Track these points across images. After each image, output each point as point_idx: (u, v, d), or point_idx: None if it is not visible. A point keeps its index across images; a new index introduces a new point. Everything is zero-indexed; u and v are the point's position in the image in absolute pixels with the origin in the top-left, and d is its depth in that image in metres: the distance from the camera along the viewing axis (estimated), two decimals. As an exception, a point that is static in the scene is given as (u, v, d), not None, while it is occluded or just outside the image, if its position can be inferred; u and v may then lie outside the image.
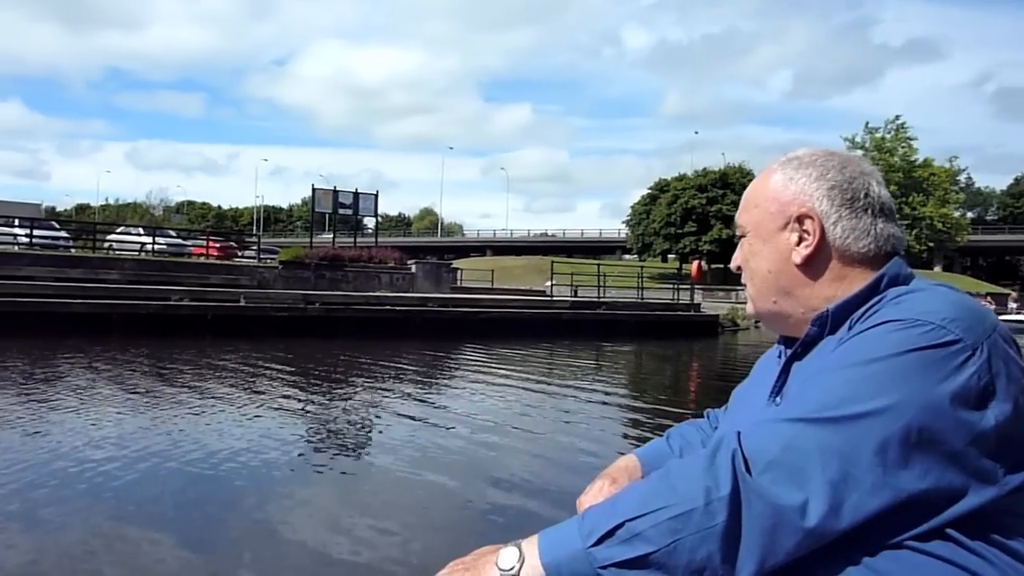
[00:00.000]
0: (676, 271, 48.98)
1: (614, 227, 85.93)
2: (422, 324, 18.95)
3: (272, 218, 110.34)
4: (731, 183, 55.19)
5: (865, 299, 0.97)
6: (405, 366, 13.49)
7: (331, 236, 26.27)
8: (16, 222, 22.96)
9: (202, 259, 23.44)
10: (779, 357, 1.12)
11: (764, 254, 1.06)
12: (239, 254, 26.95)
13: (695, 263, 34.67)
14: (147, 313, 16.68)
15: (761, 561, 0.81)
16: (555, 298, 24.40)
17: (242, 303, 18.62)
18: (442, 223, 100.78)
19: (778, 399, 1.04)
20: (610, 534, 0.84)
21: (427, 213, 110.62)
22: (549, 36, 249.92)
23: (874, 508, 0.81)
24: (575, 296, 25.97)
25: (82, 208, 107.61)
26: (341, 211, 24.84)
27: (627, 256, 67.64)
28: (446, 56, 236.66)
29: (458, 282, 30.07)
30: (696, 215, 54.22)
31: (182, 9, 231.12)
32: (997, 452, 0.83)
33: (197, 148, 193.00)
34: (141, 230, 23.37)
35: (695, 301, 28.55)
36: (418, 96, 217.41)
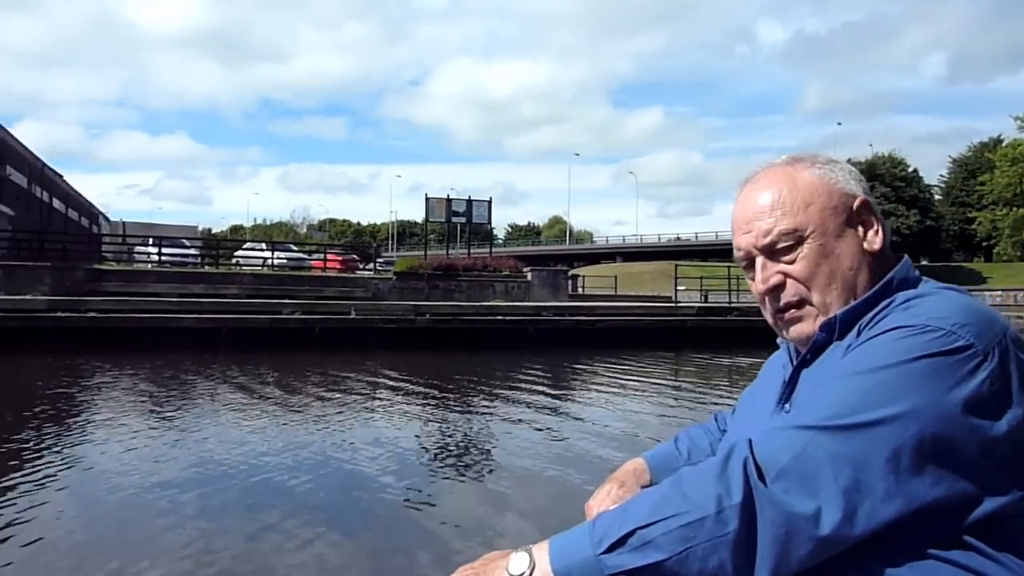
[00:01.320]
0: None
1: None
2: (534, 334, 17.91)
3: (407, 232, 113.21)
4: (880, 174, 50.54)
5: (874, 303, 0.97)
6: (519, 376, 12.64)
7: (465, 248, 25.78)
8: (150, 241, 23.91)
9: (320, 272, 23.52)
10: (786, 363, 1.10)
11: (842, 251, 1.00)
12: (360, 266, 27.01)
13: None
14: (255, 327, 16.62)
15: (774, 570, 0.81)
16: (680, 304, 22.67)
17: (352, 315, 18.31)
18: (571, 231, 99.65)
19: (787, 406, 1.04)
20: (621, 541, 0.84)
21: (556, 221, 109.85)
22: (678, 37, 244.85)
23: (888, 516, 0.81)
24: (704, 302, 24.14)
25: (236, 228, 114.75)
26: (455, 219, 24.33)
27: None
28: (574, 65, 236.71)
29: (578, 289, 28.85)
30: (842, 211, 50.20)
31: (324, 40, 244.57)
32: (1011, 458, 0.84)
33: (342, 169, 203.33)
34: (264, 245, 23.80)
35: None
36: (547, 107, 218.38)
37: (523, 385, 11.76)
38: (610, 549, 0.84)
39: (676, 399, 10.49)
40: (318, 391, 10.64)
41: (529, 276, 22.90)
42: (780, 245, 1.01)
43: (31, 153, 40.50)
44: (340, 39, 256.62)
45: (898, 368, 0.85)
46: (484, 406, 9.77)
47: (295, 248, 28.29)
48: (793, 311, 1.02)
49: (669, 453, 1.30)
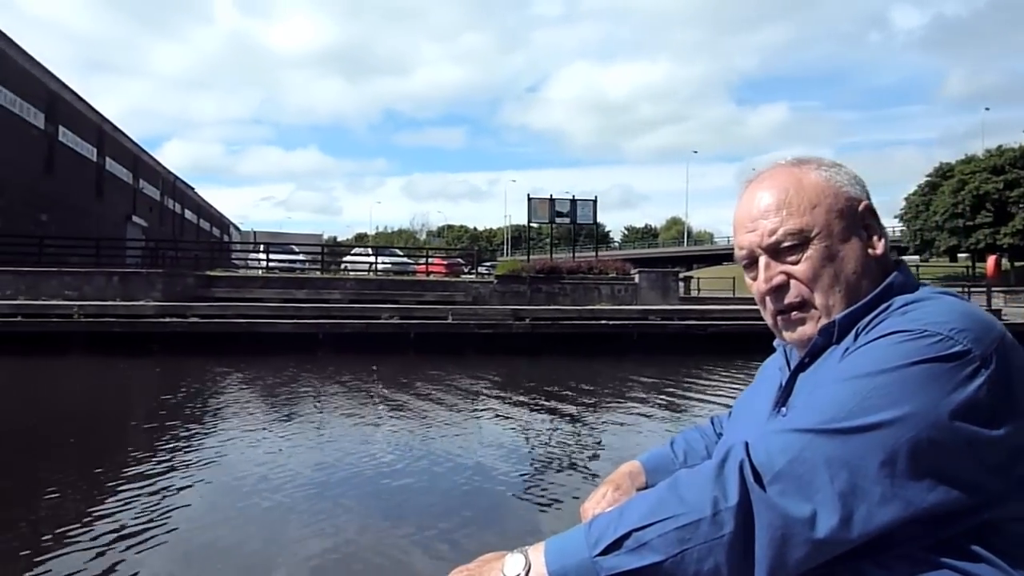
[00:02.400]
0: (965, 270, 41.28)
1: (890, 226, 76.38)
2: (639, 339, 16.73)
3: (522, 237, 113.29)
4: (1036, 162, 45.34)
5: (872, 308, 0.96)
6: (625, 382, 11.71)
7: (582, 251, 24.88)
8: (261, 248, 24.38)
9: (423, 277, 23.22)
10: (782, 366, 1.10)
11: (846, 254, 0.98)
12: (465, 271, 26.59)
13: (991, 259, 28.27)
14: (352, 332, 16.35)
15: (770, 572, 0.81)
16: (804, 307, 20.75)
17: (449, 320, 17.77)
18: (689, 232, 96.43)
19: (783, 409, 1.03)
20: (617, 544, 0.84)
21: (674, 223, 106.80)
22: (805, 29, 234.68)
23: (884, 520, 0.81)
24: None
25: (360, 236, 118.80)
26: (558, 220, 23.41)
27: (903, 257, 58.72)
28: (694, 63, 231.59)
29: (691, 292, 27.22)
30: (992, 202, 44.82)
31: (443, 51, 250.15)
32: (1008, 464, 0.83)
33: (463, 177, 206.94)
34: (369, 250, 23.79)
35: (993, 306, 22.97)
36: (666, 106, 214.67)
37: (630, 391, 10.72)
38: (606, 551, 0.84)
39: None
40: (417, 395, 10.22)
41: (636, 278, 21.64)
42: (785, 245, 0.99)
43: (164, 168, 42.96)
44: (458, 50, 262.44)
45: (896, 372, 0.85)
46: (588, 411, 9.39)
47: (400, 253, 28.23)
48: (796, 312, 1.00)
49: (665, 456, 1.29)
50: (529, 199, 23.27)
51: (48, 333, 15.59)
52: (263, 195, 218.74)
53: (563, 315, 17.94)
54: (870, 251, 0.99)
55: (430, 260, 27.11)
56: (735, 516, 0.81)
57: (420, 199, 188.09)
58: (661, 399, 10.22)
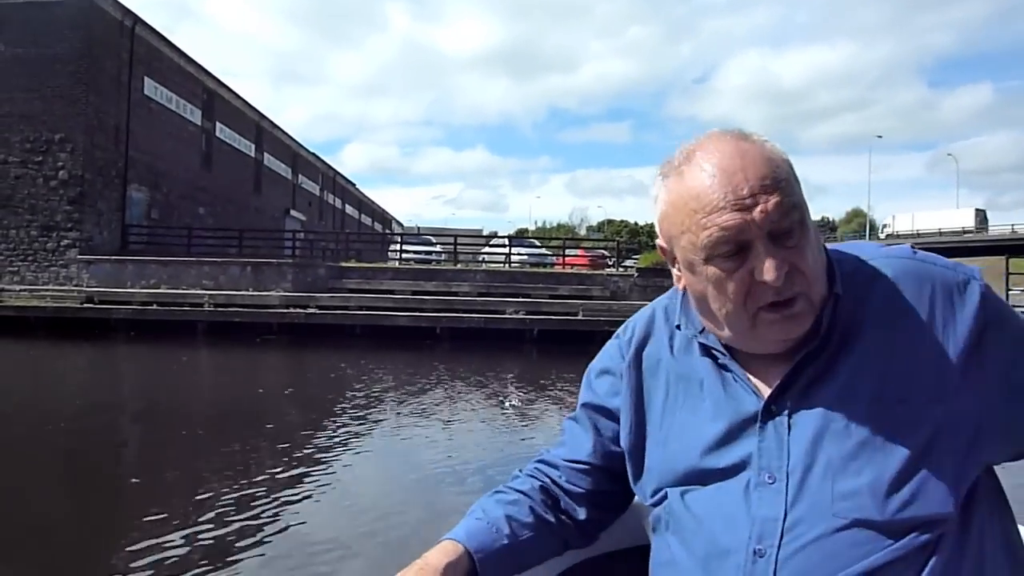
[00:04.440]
0: None
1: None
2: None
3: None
4: None
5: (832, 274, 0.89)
6: None
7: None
8: (399, 239, 23.84)
9: (559, 270, 21.66)
10: (709, 374, 0.92)
11: (812, 239, 0.85)
12: (609, 264, 24.74)
13: None
14: (470, 327, 15.12)
15: None
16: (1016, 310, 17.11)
17: (580, 316, 16.11)
18: (871, 224, 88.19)
19: (789, 417, 0.85)
20: None
21: (855, 215, 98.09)
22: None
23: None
24: (1051, 306, 18.15)
25: (520, 232, 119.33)
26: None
27: None
28: (879, 44, 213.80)
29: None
30: None
31: (608, 46, 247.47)
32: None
33: (627, 172, 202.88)
34: (506, 241, 22.55)
35: None
36: (847, 92, 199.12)
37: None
38: None
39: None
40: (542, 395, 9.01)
41: (801, 272, 18.85)
42: (785, 227, 0.82)
43: (323, 163, 44.29)
44: (623, 43, 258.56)
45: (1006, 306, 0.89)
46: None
47: (538, 244, 26.76)
48: (798, 306, 0.83)
49: (485, 531, 0.96)
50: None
51: (175, 322, 15.60)
52: (434, 194, 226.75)
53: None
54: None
55: (572, 252, 25.49)
56: None
57: (583, 195, 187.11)
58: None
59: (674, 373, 0.96)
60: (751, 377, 0.89)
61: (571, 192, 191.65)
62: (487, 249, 25.47)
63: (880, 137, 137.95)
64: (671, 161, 0.89)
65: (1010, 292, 17.92)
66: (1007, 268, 17.89)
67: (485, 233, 65.03)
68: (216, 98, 28.24)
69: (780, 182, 0.82)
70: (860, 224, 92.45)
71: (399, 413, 7.84)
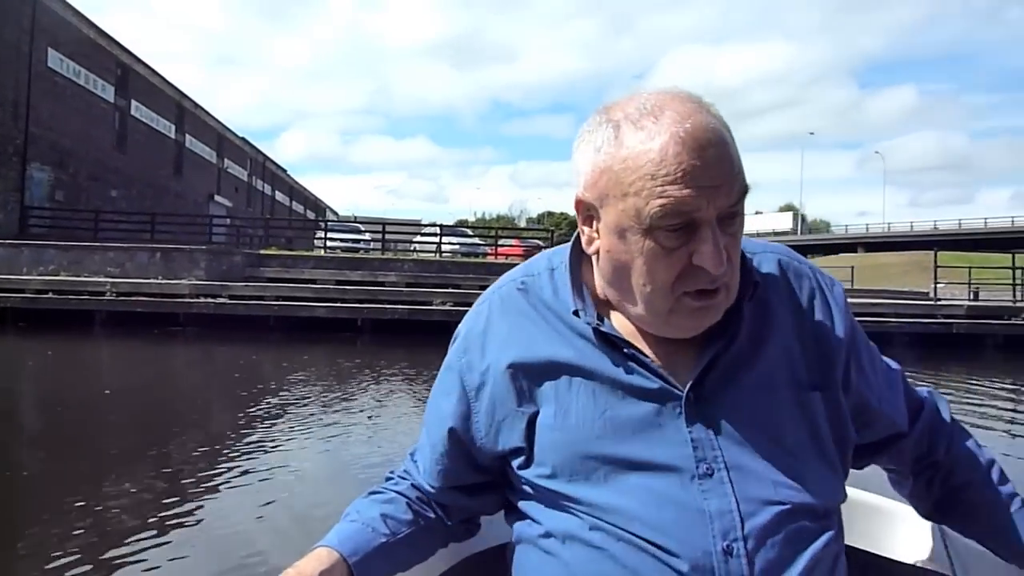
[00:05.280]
0: None
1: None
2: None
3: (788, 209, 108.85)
4: None
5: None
6: None
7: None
8: (324, 225, 22.82)
9: (492, 260, 20.99)
10: (625, 358, 0.87)
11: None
12: (545, 254, 24.19)
13: None
14: (393, 319, 14.32)
15: None
16: (941, 302, 17.21)
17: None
18: (803, 219, 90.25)
19: (712, 406, 0.84)
20: None
21: (786, 209, 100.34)
22: (936, 6, 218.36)
23: None
24: (973, 300, 18.46)
25: (460, 222, 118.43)
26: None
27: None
28: (813, 45, 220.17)
29: (801, 282, 23.72)
30: None
31: (551, 38, 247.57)
32: None
33: (569, 165, 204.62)
34: (438, 229, 21.75)
35: None
36: (780, 91, 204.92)
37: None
38: None
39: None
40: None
41: (735, 264, 18.62)
42: (735, 210, 0.80)
43: (252, 147, 42.58)
44: (566, 37, 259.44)
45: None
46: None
47: (471, 234, 26.00)
48: (719, 296, 0.82)
49: (361, 532, 0.92)
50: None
51: (70, 311, 14.34)
52: (376, 183, 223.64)
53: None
54: None
55: (507, 243, 24.85)
56: None
57: (526, 187, 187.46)
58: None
59: (565, 358, 0.89)
60: (659, 364, 0.86)
61: (514, 184, 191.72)
62: (419, 238, 24.59)
63: (812, 134, 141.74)
64: (623, 108, 0.82)
65: (937, 285, 18.02)
66: (935, 261, 17.97)
67: (424, 222, 63.93)
68: (131, 74, 26.58)
69: (739, 166, 0.80)
70: (793, 220, 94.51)
71: (296, 410, 7.04)
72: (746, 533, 0.77)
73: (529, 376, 0.89)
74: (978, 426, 6.77)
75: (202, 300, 14.60)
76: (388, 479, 1.02)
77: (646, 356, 0.85)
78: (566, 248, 0.95)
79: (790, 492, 0.81)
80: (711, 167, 0.77)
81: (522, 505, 0.91)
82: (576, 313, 0.88)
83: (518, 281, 0.96)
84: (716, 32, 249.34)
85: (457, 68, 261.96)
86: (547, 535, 0.86)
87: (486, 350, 0.92)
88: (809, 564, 0.78)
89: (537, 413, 0.88)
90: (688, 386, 0.83)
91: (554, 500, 0.86)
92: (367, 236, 23.62)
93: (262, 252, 19.05)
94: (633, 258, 0.81)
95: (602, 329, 0.86)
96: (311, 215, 59.19)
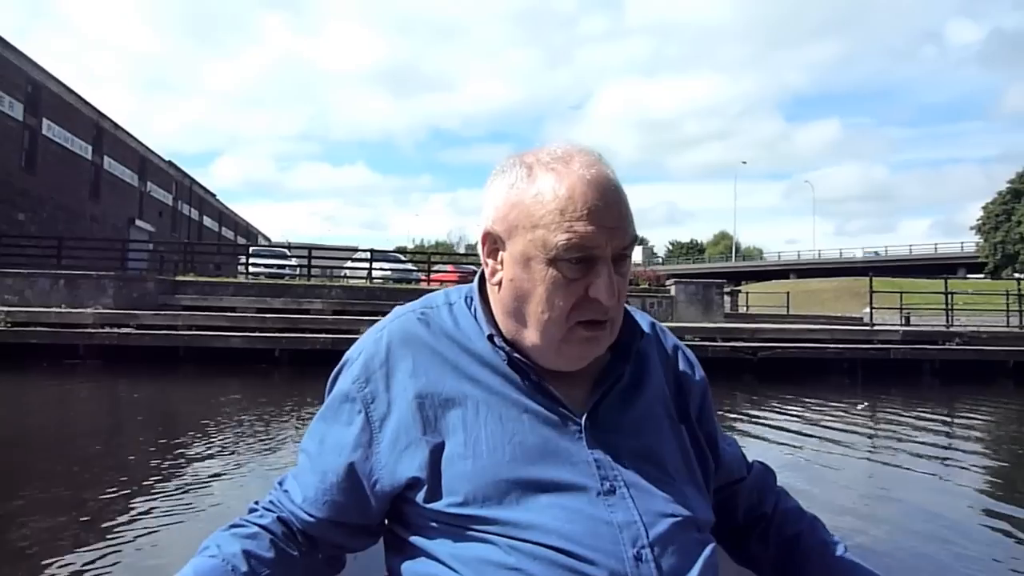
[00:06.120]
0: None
1: (954, 240, 70.89)
2: (672, 365, 13.42)
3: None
4: None
5: None
6: None
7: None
8: (250, 250, 21.72)
9: (425, 286, 20.20)
10: (529, 385, 0.94)
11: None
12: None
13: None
14: (313, 348, 13.41)
15: None
16: (877, 327, 17.17)
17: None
18: (737, 247, 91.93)
19: (607, 432, 0.94)
20: None
21: (721, 237, 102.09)
22: (856, 44, 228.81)
23: None
24: (906, 325, 18.54)
25: (400, 250, 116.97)
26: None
27: (972, 276, 53.14)
28: (742, 79, 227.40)
29: (738, 308, 23.67)
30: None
31: (489, 67, 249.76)
32: None
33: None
34: (368, 255, 20.80)
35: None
36: (713, 123, 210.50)
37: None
38: None
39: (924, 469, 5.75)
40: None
41: (673, 290, 18.29)
42: (627, 253, 0.91)
43: (178, 171, 40.94)
44: (504, 66, 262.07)
45: None
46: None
47: (404, 259, 25.08)
48: (606, 329, 0.92)
49: (217, 569, 0.90)
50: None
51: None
52: (312, 210, 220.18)
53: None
54: None
55: (442, 269, 24.09)
56: None
57: (465, 214, 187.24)
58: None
59: (472, 387, 0.93)
60: (558, 393, 0.92)
61: (453, 211, 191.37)
62: (349, 264, 23.60)
63: (745, 163, 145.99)
64: (534, 155, 0.93)
65: (873, 310, 18.01)
66: (871, 286, 17.96)
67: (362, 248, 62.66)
68: (43, 91, 25.08)
69: (631, 216, 0.91)
70: (727, 246, 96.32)
71: (189, 452, 6.14)
72: (651, 541, 0.84)
73: (436, 406, 0.92)
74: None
75: (105, 331, 13.43)
76: (252, 511, 0.99)
77: (549, 384, 0.92)
78: (463, 287, 1.04)
79: (678, 507, 0.89)
80: (612, 209, 0.88)
81: (417, 541, 0.91)
82: (491, 338, 0.94)
83: (418, 312, 1.00)
84: (651, 66, 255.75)
85: (395, 95, 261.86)
86: (451, 569, 0.86)
87: (391, 381, 0.94)
88: (703, 568, 0.86)
89: (442, 443, 0.90)
90: (585, 415, 0.92)
91: (463, 530, 0.87)
92: (293, 261, 22.52)
93: (177, 279, 17.87)
94: (535, 286, 0.89)
95: (515, 355, 0.93)
96: (242, 241, 57.36)
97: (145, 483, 5.15)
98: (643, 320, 1.05)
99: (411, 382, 0.92)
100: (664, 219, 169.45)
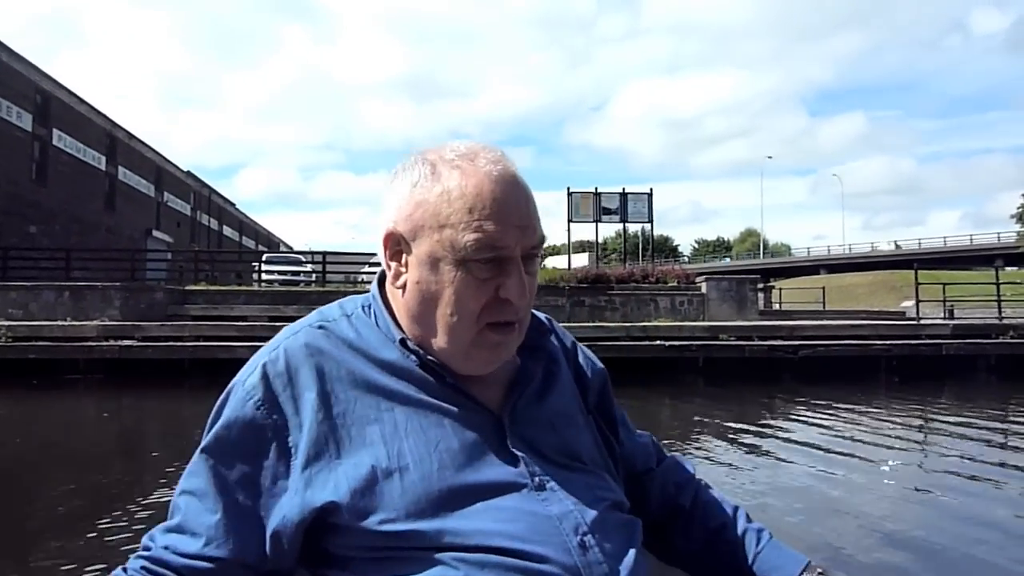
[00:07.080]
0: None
1: (990, 231, 68.86)
2: (705, 365, 12.53)
3: (583, 250, 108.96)
4: None
5: None
6: (688, 423, 7.34)
7: (648, 264, 20.80)
8: (263, 257, 21.14)
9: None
10: (446, 389, 0.91)
11: None
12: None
13: None
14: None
15: None
16: (924, 322, 16.10)
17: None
18: (765, 243, 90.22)
19: (527, 430, 0.93)
20: None
21: (748, 235, 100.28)
22: (880, 36, 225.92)
23: None
24: (951, 319, 17.48)
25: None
26: (605, 217, 19.30)
27: (1010, 268, 51.20)
28: (764, 75, 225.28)
29: (772, 305, 22.61)
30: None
31: (509, 72, 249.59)
32: None
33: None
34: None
35: None
36: (735, 120, 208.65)
37: (698, 439, 6.52)
38: None
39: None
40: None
41: (704, 287, 17.35)
42: (536, 252, 0.90)
43: (197, 180, 40.68)
44: (524, 71, 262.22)
45: None
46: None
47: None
48: (515, 332, 0.90)
49: None
50: (569, 193, 19.24)
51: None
52: (336, 219, 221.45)
53: (608, 333, 13.82)
54: None
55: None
56: None
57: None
58: (751, 457, 6.03)
59: (386, 398, 0.89)
60: (476, 395, 0.91)
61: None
62: (367, 269, 22.95)
63: (771, 158, 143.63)
64: (437, 152, 0.89)
65: (919, 304, 16.92)
66: (916, 279, 16.86)
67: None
68: (53, 102, 24.73)
69: (538, 214, 0.89)
70: (754, 243, 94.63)
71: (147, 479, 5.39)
72: (590, 527, 0.85)
73: (350, 424, 0.87)
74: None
75: (106, 343, 12.82)
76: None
77: (464, 385, 0.90)
78: (356, 297, 0.98)
79: (603, 491, 0.91)
80: (521, 208, 0.86)
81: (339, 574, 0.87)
82: (403, 342, 0.90)
83: (315, 325, 0.94)
84: (671, 65, 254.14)
85: (416, 102, 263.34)
86: None
87: (299, 403, 0.87)
88: (637, 546, 0.89)
89: (363, 462, 0.85)
90: (506, 414, 0.91)
91: (400, 551, 0.82)
92: (308, 268, 21.89)
93: (187, 288, 17.29)
94: (443, 288, 0.86)
95: (428, 359, 0.89)
96: (263, 249, 57.18)
97: (144, 501, 4.42)
98: (544, 320, 1.04)
99: (320, 401, 0.87)
100: (689, 218, 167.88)
